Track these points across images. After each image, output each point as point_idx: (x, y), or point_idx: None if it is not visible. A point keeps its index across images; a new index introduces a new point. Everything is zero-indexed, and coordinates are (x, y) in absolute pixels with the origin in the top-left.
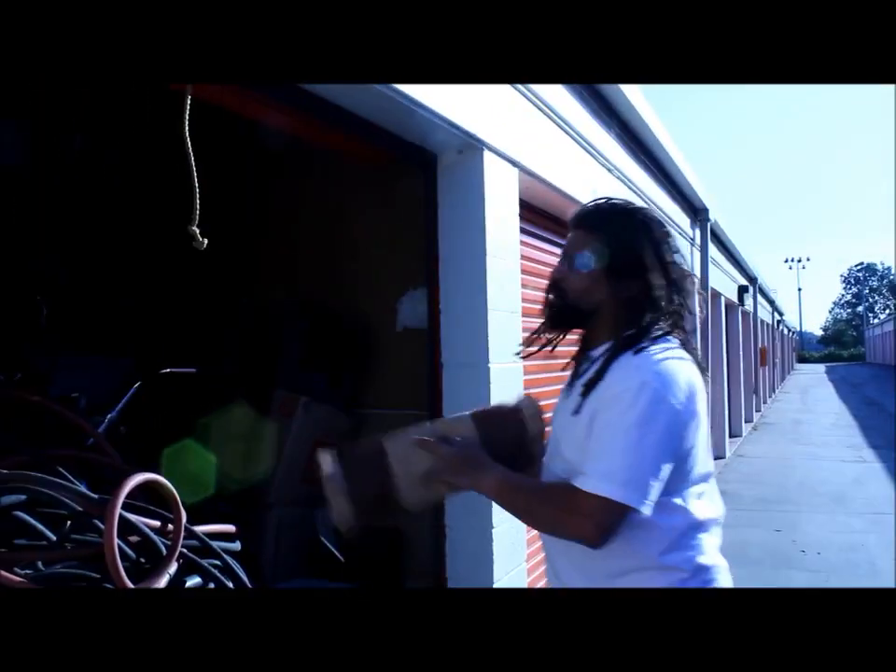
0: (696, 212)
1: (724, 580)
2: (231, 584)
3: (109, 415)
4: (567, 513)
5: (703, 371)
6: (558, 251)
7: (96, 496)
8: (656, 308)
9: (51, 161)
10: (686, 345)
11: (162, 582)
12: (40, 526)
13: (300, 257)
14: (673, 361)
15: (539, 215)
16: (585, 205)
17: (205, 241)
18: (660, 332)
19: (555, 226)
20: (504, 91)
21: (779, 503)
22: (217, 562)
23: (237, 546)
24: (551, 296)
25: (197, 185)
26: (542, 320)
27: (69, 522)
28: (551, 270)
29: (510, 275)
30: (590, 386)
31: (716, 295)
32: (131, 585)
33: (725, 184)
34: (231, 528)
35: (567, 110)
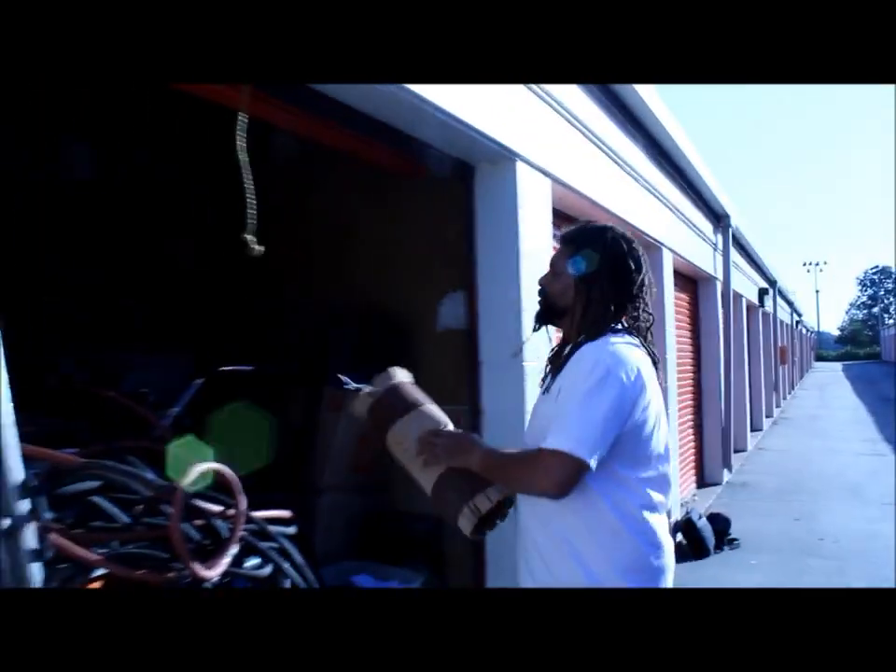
0: (719, 218)
1: (669, 560)
2: (286, 565)
3: (174, 409)
4: (532, 471)
5: (655, 363)
6: None
7: (164, 483)
8: (617, 309)
9: (119, 176)
10: (642, 340)
11: (225, 563)
12: (114, 510)
13: (349, 263)
14: (624, 346)
15: (570, 222)
16: (567, 227)
17: (261, 248)
18: (618, 328)
19: None
20: (536, 105)
21: (798, 493)
22: (274, 544)
23: (292, 530)
24: (538, 298)
25: (253, 196)
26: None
27: (140, 506)
28: None
29: None
30: (556, 369)
31: (737, 297)
32: (196, 565)
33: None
34: (286, 513)
35: (595, 123)
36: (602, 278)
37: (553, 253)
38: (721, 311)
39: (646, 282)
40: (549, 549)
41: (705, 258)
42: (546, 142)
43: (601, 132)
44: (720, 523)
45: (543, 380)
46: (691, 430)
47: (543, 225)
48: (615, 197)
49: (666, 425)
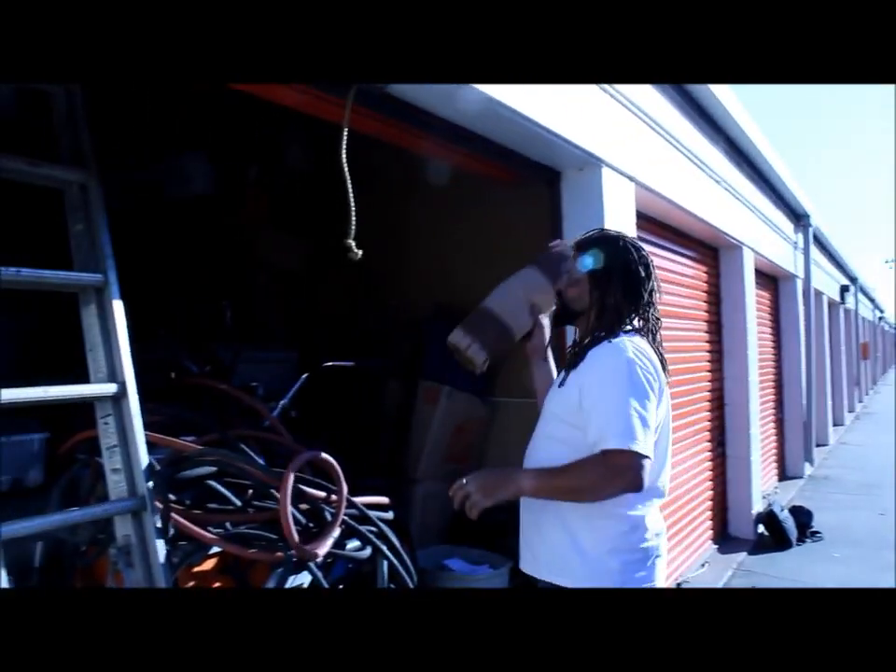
0: (799, 217)
1: (661, 543)
2: (384, 548)
3: (282, 402)
4: (606, 475)
5: (663, 362)
6: (672, 257)
7: (273, 469)
8: (628, 312)
9: (233, 189)
10: (651, 340)
11: (328, 544)
12: (228, 494)
13: (442, 265)
14: (640, 344)
15: (654, 224)
16: (584, 234)
17: (360, 252)
18: (629, 329)
19: (669, 234)
20: (618, 111)
21: (882, 488)
22: (373, 528)
23: (390, 515)
24: (556, 302)
25: (353, 204)
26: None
27: (251, 490)
28: (662, 273)
29: None
30: (571, 365)
31: (818, 294)
32: (302, 546)
33: (826, 187)
34: (384, 500)
35: (675, 126)
36: (614, 283)
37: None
38: (801, 308)
39: (655, 287)
40: (547, 528)
41: (785, 256)
42: (629, 147)
43: (681, 135)
44: (802, 515)
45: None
46: (772, 424)
47: (628, 228)
48: (696, 199)
49: (667, 412)
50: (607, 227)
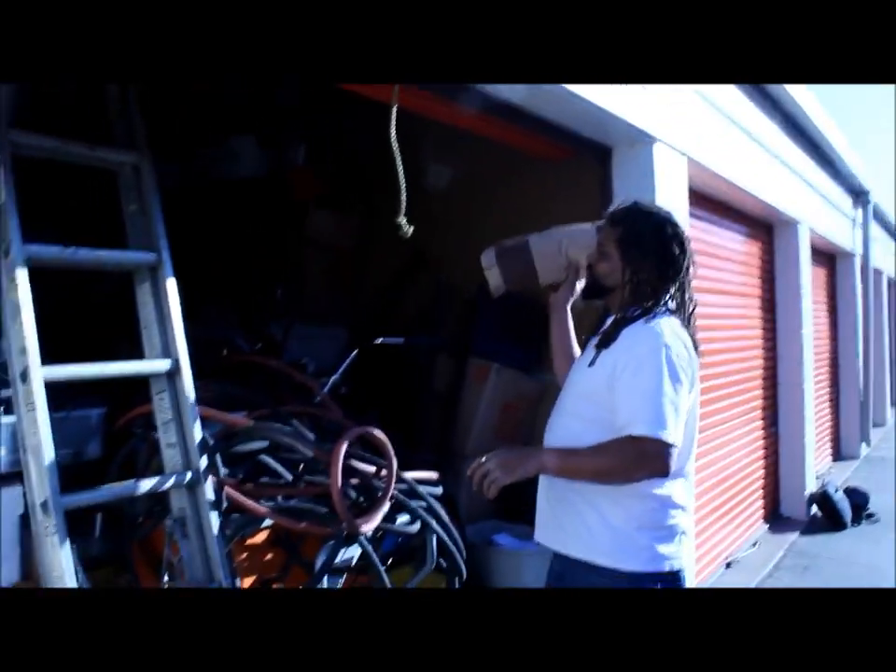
0: (857, 193)
1: (686, 521)
2: (433, 523)
3: (332, 378)
4: (638, 461)
5: (696, 346)
6: (725, 234)
7: (324, 444)
8: (662, 291)
9: (283, 168)
10: (685, 322)
11: (378, 519)
12: (280, 468)
13: (491, 242)
14: (676, 328)
15: (707, 201)
16: (616, 206)
17: (411, 229)
18: (663, 309)
19: (722, 211)
20: (671, 86)
21: None
22: (423, 503)
23: (439, 490)
24: (587, 276)
25: (403, 183)
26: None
27: (302, 465)
28: (715, 250)
29: None
30: (603, 344)
31: (878, 272)
32: (353, 520)
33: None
34: (433, 475)
35: (729, 100)
36: (648, 259)
37: (602, 233)
38: (859, 286)
39: (690, 265)
40: (576, 505)
41: (843, 233)
42: (681, 122)
43: (735, 109)
44: (857, 496)
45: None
46: (827, 403)
47: (680, 204)
48: (750, 174)
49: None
50: (641, 200)
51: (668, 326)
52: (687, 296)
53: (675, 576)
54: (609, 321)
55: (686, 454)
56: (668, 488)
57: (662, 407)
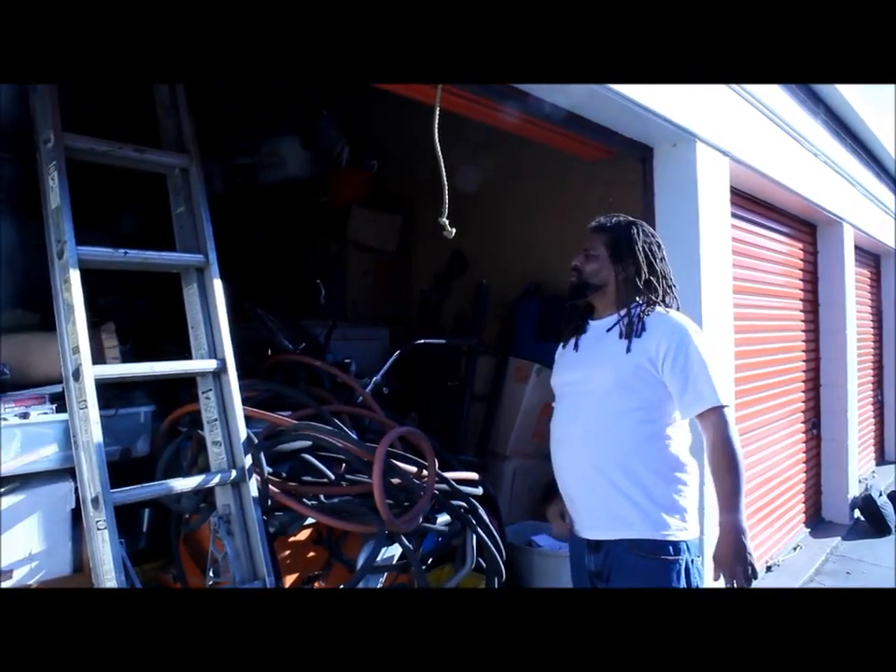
0: None
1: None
2: (473, 522)
3: (375, 378)
4: (725, 432)
5: None
6: (768, 234)
7: (366, 444)
8: (650, 283)
9: (326, 169)
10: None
11: (418, 518)
12: (322, 467)
13: (532, 244)
14: (685, 317)
15: (748, 200)
16: (599, 219)
17: (454, 231)
18: (656, 301)
19: (764, 210)
20: (713, 85)
21: None
22: (463, 503)
23: (479, 490)
24: (572, 277)
25: (446, 183)
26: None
27: (344, 464)
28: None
29: (721, 255)
30: (631, 332)
31: None
32: (394, 519)
33: None
34: (474, 475)
35: (773, 100)
36: (635, 259)
37: (587, 240)
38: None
39: (667, 265)
40: (623, 489)
41: (888, 232)
42: (724, 121)
43: (778, 107)
44: None
45: (575, 341)
46: (870, 406)
47: (722, 204)
48: (793, 173)
49: None
50: (616, 213)
51: (679, 315)
52: (670, 290)
53: (698, 541)
54: (622, 318)
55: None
56: (688, 463)
57: (713, 379)
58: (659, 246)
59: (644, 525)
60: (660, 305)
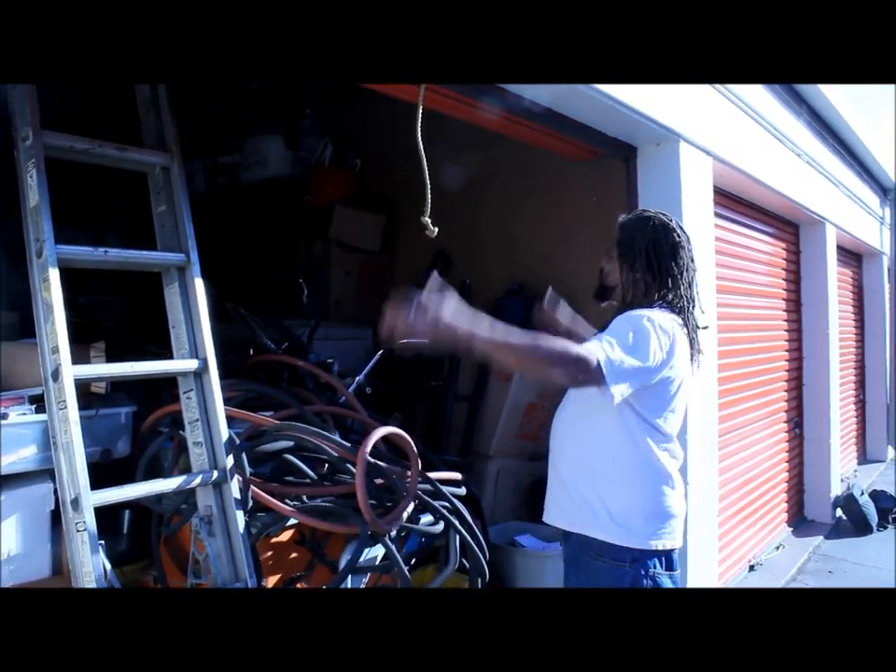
0: (885, 191)
1: (680, 504)
2: (457, 523)
3: (358, 378)
4: (567, 361)
5: (692, 342)
6: (751, 233)
7: (349, 444)
8: (652, 289)
9: (308, 169)
10: (683, 319)
11: (401, 519)
12: (305, 468)
13: (515, 244)
14: (665, 314)
15: (732, 200)
16: (622, 215)
17: (436, 229)
18: (658, 303)
19: (747, 210)
20: (696, 84)
21: None
22: (446, 503)
23: (463, 491)
24: (598, 276)
25: (428, 182)
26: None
27: (327, 465)
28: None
29: (704, 254)
30: (602, 330)
31: None
32: (376, 520)
33: None
34: (457, 476)
35: (757, 100)
36: (639, 260)
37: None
38: (887, 286)
39: (684, 266)
40: (578, 486)
41: (871, 232)
42: (707, 120)
43: (762, 107)
44: (884, 500)
45: None
46: (853, 405)
47: (705, 203)
48: (776, 173)
49: (688, 390)
50: (647, 208)
51: (650, 311)
52: (684, 294)
53: (668, 554)
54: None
55: (680, 439)
56: (662, 472)
57: (622, 352)
58: (672, 247)
59: (592, 526)
60: (660, 307)
